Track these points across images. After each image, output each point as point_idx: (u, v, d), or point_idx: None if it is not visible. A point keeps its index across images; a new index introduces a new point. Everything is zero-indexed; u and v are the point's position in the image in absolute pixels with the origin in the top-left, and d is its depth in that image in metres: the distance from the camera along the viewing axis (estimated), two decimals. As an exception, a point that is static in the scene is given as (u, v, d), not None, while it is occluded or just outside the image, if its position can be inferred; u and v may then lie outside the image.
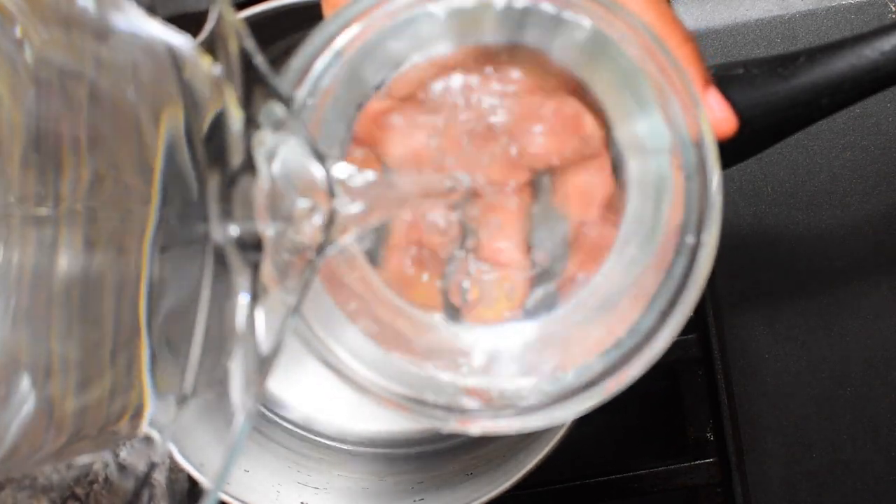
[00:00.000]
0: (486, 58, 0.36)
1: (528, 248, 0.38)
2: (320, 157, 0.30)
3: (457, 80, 0.36)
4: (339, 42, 0.32)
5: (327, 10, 0.35)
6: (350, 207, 0.30)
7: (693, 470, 0.62)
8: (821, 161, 0.61)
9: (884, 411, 0.61)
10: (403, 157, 0.37)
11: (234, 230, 0.27)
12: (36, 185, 0.25)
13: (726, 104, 0.34)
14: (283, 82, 0.32)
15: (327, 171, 0.30)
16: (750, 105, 0.36)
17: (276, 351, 0.28)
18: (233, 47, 0.27)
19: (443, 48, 0.35)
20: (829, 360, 0.62)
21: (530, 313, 0.37)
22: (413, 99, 0.36)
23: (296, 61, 0.32)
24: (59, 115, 0.25)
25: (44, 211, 0.25)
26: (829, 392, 0.62)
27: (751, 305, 0.62)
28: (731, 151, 0.37)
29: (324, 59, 0.32)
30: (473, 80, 0.36)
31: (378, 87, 0.35)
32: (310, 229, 0.29)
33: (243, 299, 0.27)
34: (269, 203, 0.28)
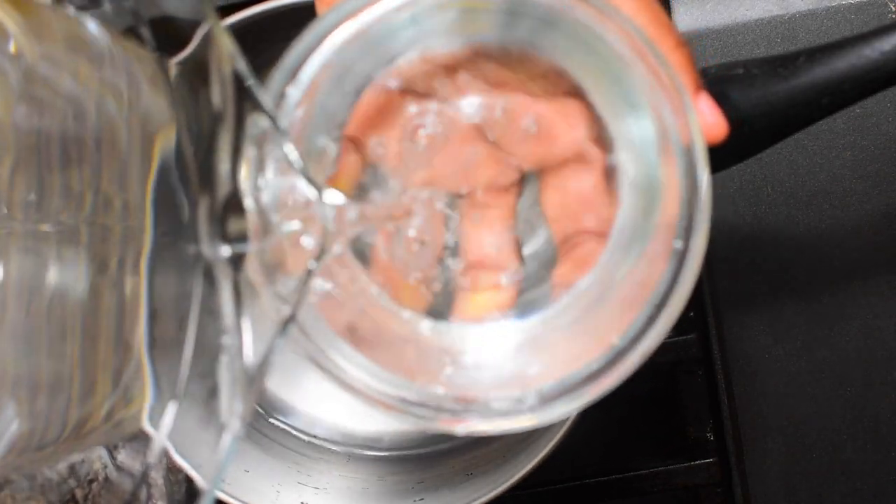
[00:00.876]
0: (480, 57, 0.36)
1: (516, 248, 0.38)
2: (311, 181, 0.30)
3: (448, 79, 0.36)
4: (332, 39, 0.32)
5: (321, 7, 0.35)
6: (338, 227, 0.31)
7: (693, 470, 0.62)
8: (821, 161, 0.61)
9: (884, 411, 0.61)
10: (392, 157, 0.37)
11: (224, 251, 0.27)
12: (31, 201, 0.25)
13: (717, 109, 0.34)
14: (275, 106, 0.32)
15: (319, 199, 0.30)
16: (750, 105, 0.36)
17: (264, 367, 0.28)
18: (226, 70, 0.27)
19: (436, 46, 0.35)
20: (829, 360, 0.62)
21: (518, 315, 0.37)
22: (405, 96, 0.36)
23: (288, 59, 0.32)
24: (52, 132, 0.26)
25: (43, 227, 0.25)
26: (829, 392, 0.62)
27: (751, 305, 0.62)
28: (732, 152, 0.37)
29: (317, 57, 0.32)
30: (465, 79, 0.36)
31: (369, 84, 0.35)
32: (299, 250, 0.29)
33: (229, 317, 0.27)
34: (257, 223, 0.28)
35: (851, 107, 0.38)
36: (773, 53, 0.37)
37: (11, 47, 0.25)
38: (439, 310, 0.37)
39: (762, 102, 0.36)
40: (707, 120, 0.33)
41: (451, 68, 0.36)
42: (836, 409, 0.62)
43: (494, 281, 0.37)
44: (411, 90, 0.36)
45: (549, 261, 0.37)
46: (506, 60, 0.36)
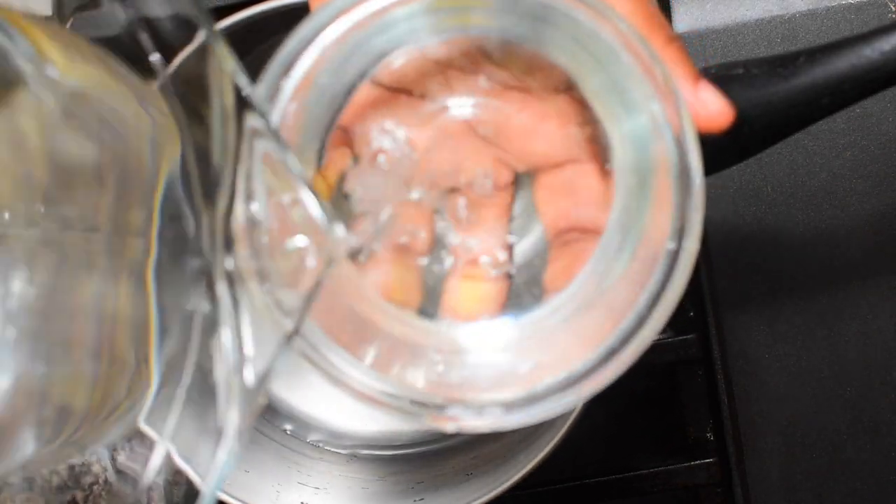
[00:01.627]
0: (476, 53, 0.36)
1: (509, 245, 0.38)
2: (319, 198, 0.30)
3: (442, 76, 0.36)
4: (327, 34, 0.32)
5: (314, 2, 0.35)
6: (343, 249, 0.31)
7: (693, 470, 0.62)
8: (821, 161, 0.61)
9: (884, 411, 0.61)
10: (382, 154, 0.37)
11: (227, 264, 0.27)
12: (56, 212, 0.25)
13: (721, 95, 0.33)
14: (269, 100, 0.32)
15: (327, 217, 0.30)
16: (750, 105, 0.36)
17: (265, 383, 0.27)
18: (225, 84, 0.27)
19: (432, 41, 0.35)
20: (829, 360, 0.62)
21: (510, 314, 0.37)
22: (400, 91, 0.36)
23: (282, 53, 0.32)
24: (86, 155, 0.26)
25: (69, 238, 0.25)
26: (829, 392, 0.62)
27: (751, 305, 0.62)
28: (732, 151, 0.37)
29: (311, 51, 0.32)
30: (459, 77, 0.36)
31: (363, 79, 0.35)
32: (304, 269, 0.29)
33: (229, 331, 0.27)
34: (259, 239, 0.28)
35: (851, 107, 0.38)
36: (773, 53, 0.37)
37: (52, 73, 0.25)
38: (430, 307, 0.37)
39: (762, 102, 0.36)
40: (711, 108, 0.33)
41: (447, 65, 0.36)
42: (836, 409, 0.62)
43: (485, 278, 0.38)
44: (405, 86, 0.36)
45: (542, 260, 0.37)
46: (503, 57, 0.36)
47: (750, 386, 0.62)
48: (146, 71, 0.29)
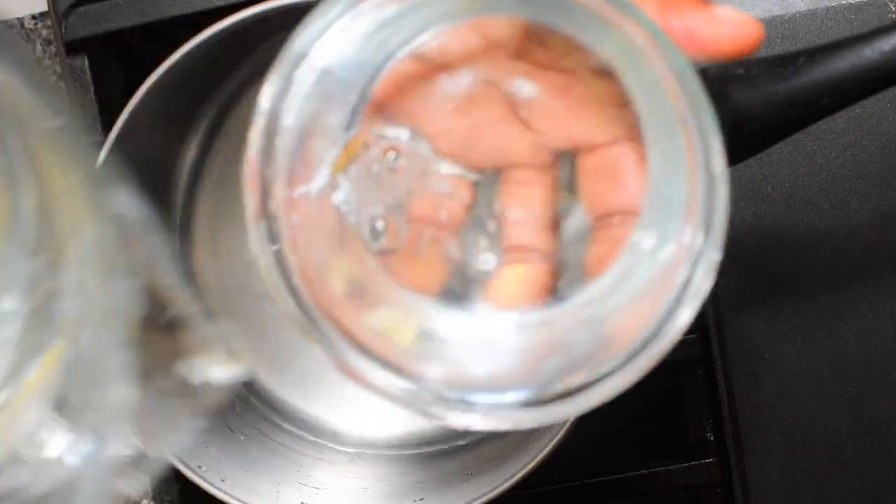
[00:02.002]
0: (515, 33, 0.35)
1: (553, 230, 0.37)
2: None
3: (483, 56, 0.36)
4: (346, 20, 0.32)
5: None
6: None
7: (693, 470, 0.62)
8: (821, 161, 0.61)
9: (884, 411, 0.61)
10: (427, 131, 0.36)
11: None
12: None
13: (738, 11, 0.32)
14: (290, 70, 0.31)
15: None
16: (750, 105, 0.36)
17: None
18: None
19: (465, 20, 0.34)
20: (829, 360, 0.61)
21: (549, 300, 0.36)
22: (437, 69, 0.36)
23: (295, 43, 0.32)
24: None
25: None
26: (829, 392, 0.61)
27: (751, 305, 0.62)
28: (732, 151, 0.37)
29: (330, 37, 0.32)
30: (499, 56, 0.36)
31: (395, 57, 0.34)
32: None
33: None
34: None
35: (851, 107, 0.38)
36: (773, 53, 0.37)
37: None
38: (467, 292, 0.36)
39: (762, 102, 0.36)
40: (735, 21, 0.32)
41: (487, 43, 0.35)
42: (836, 409, 0.61)
43: (528, 261, 0.36)
44: (442, 63, 0.36)
45: (584, 245, 0.36)
46: (543, 37, 0.35)
47: (750, 386, 0.62)
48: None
